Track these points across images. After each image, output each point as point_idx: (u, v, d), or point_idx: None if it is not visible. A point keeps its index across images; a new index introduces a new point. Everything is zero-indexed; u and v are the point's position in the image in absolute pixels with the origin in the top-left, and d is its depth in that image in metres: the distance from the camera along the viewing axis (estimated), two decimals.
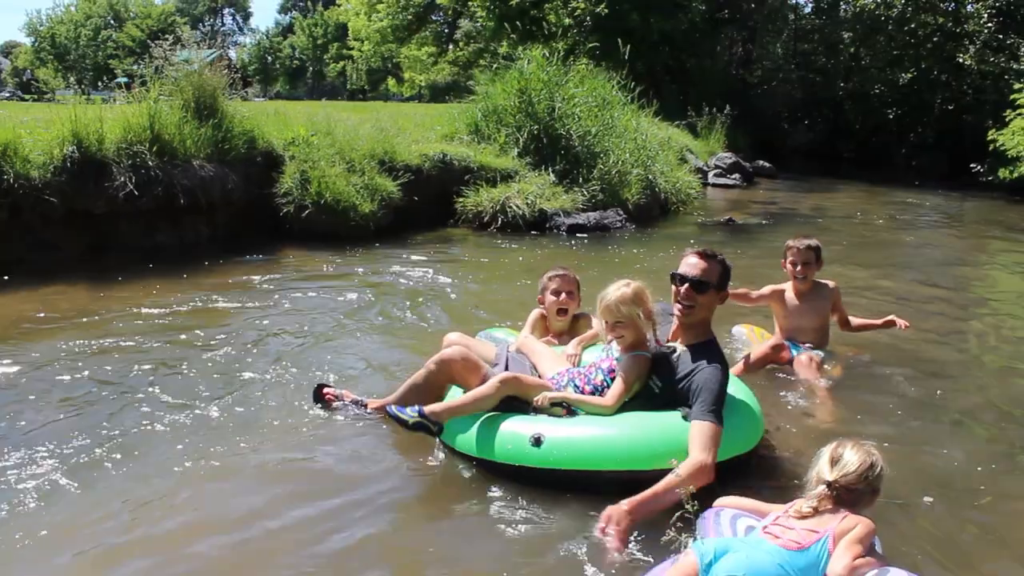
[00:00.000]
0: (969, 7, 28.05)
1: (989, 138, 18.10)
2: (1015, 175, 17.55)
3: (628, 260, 9.57)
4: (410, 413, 3.87)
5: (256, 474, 3.82)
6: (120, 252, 8.48)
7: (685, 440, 3.60)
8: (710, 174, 21.23)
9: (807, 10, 37.69)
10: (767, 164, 25.29)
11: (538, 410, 3.98)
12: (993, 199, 19.92)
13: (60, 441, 4.05)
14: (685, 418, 3.70)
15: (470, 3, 31.90)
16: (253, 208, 9.74)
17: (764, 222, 14.10)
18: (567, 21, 27.74)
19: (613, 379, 3.99)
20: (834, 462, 2.96)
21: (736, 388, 4.12)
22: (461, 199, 11.53)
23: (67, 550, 3.17)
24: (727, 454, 3.68)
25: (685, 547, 3.04)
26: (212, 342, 5.80)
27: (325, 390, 4.63)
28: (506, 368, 4.32)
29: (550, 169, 12.50)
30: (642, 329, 3.98)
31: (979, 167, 21.29)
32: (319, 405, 4.58)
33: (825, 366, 5.52)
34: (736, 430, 3.80)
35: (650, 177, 13.81)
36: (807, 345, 5.67)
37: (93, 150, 8.33)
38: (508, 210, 11.22)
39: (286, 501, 3.57)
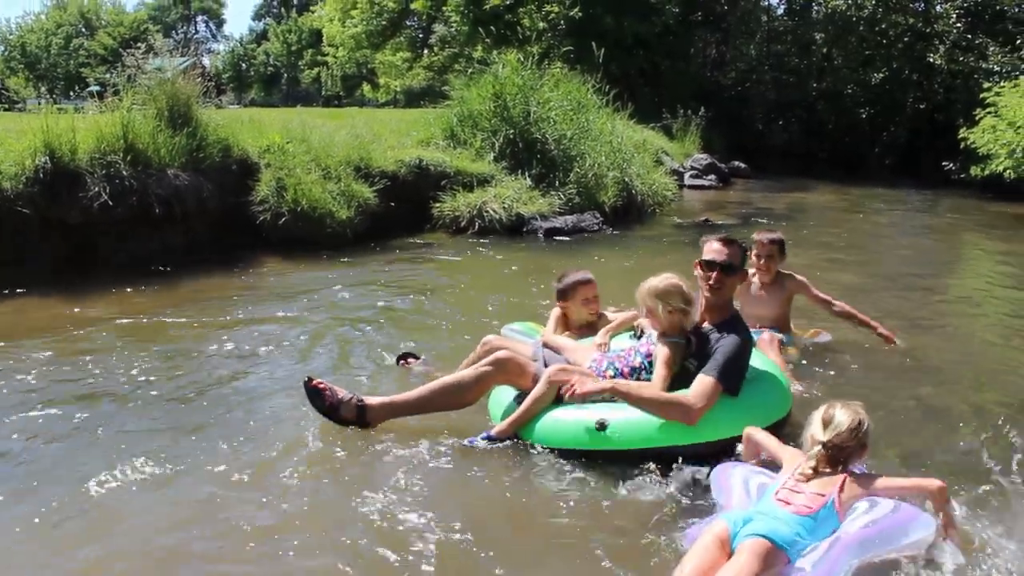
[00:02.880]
0: (938, 7, 28.33)
1: (960, 136, 18.28)
2: (986, 172, 17.74)
3: (606, 262, 9.60)
4: (480, 442, 4.16)
5: (242, 484, 3.81)
6: (96, 262, 8.41)
7: (733, 412, 4.00)
8: (686, 175, 21.32)
9: (779, 12, 37.96)
10: (742, 165, 25.43)
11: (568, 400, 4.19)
12: (965, 196, 20.13)
13: (33, 452, 4.02)
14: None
15: (444, 8, 31.88)
16: (229, 216, 9.68)
17: (740, 222, 14.18)
18: (541, 25, 27.79)
19: (651, 362, 4.28)
20: (826, 423, 3.35)
21: (764, 362, 4.55)
22: (438, 204, 11.52)
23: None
24: (767, 420, 4.06)
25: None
26: (190, 352, 5.78)
27: (315, 381, 4.32)
28: (545, 365, 4.47)
29: (526, 173, 12.50)
30: (678, 317, 4.26)
31: (951, 165, 21.52)
32: (314, 401, 4.30)
33: (788, 348, 5.79)
34: (771, 397, 4.26)
35: (626, 179, 13.86)
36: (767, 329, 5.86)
37: (66, 160, 8.26)
38: (485, 215, 11.23)
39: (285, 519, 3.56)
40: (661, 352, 4.22)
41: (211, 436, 4.30)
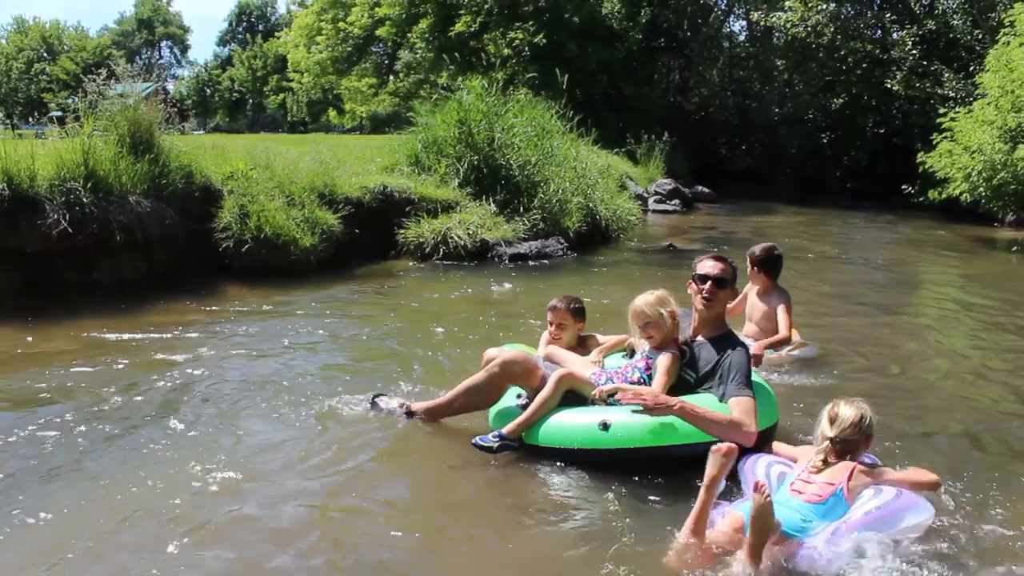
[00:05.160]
0: (894, 35, 28.87)
1: (918, 160, 18.58)
2: (944, 195, 18.03)
3: (570, 287, 9.60)
4: (492, 439, 4.46)
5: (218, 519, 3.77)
6: (56, 292, 8.28)
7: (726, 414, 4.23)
8: (650, 200, 21.52)
9: (741, 38, 38.58)
10: (706, 189, 25.70)
11: (594, 402, 4.49)
12: (924, 219, 20.53)
13: None
14: (721, 399, 4.31)
15: (409, 35, 31.99)
16: (192, 243, 9.59)
17: (704, 247, 14.31)
18: (506, 51, 27.97)
19: (649, 375, 4.57)
20: (832, 420, 3.75)
21: (755, 376, 4.68)
22: (402, 231, 11.51)
23: None
24: (761, 426, 4.28)
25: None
26: (151, 382, 5.69)
27: (379, 398, 5.07)
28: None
29: (491, 199, 12.53)
30: (668, 328, 4.59)
31: (910, 188, 21.88)
32: (373, 409, 5.01)
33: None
34: (765, 406, 4.43)
35: (590, 205, 13.95)
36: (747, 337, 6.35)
37: (25, 187, 8.16)
38: (450, 241, 11.24)
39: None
40: (662, 362, 4.53)
41: (178, 462, 4.26)
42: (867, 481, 3.59)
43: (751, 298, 6.75)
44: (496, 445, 4.43)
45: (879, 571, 3.30)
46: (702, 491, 3.50)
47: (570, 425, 4.35)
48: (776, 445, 4.27)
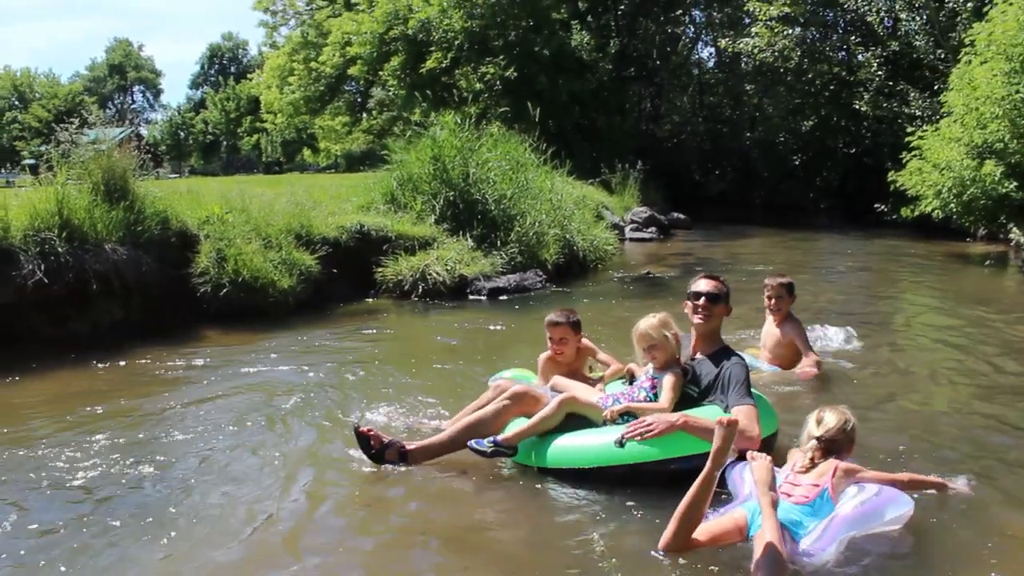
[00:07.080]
0: (860, 57, 29.28)
1: (889, 179, 18.78)
2: (915, 213, 18.21)
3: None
4: (487, 445, 4.64)
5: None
6: (31, 343, 8.17)
7: None
8: (627, 229, 21.63)
9: (710, 64, 39.06)
10: (682, 216, 25.85)
11: (606, 423, 4.69)
12: (898, 236, 20.74)
13: None
14: (726, 410, 4.49)
15: (381, 73, 32.14)
16: (169, 289, 9.52)
17: (682, 273, 14.37)
18: (478, 86, 28.17)
19: (655, 394, 4.73)
20: (819, 422, 4.00)
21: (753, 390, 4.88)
22: (380, 269, 11.50)
23: None
24: (763, 434, 4.50)
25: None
26: (134, 433, 5.64)
27: (363, 429, 4.84)
28: None
29: (468, 234, 12.56)
30: (672, 349, 4.77)
31: (882, 207, 22.10)
32: (363, 446, 4.81)
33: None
34: (766, 416, 4.67)
35: (567, 236, 14.01)
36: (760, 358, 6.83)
37: None
38: (428, 278, 11.23)
39: None
40: (667, 380, 4.69)
41: (158, 515, 4.22)
42: (850, 479, 3.81)
43: (767, 326, 6.98)
44: (490, 450, 4.61)
45: (865, 565, 3.51)
46: (708, 463, 3.70)
47: (588, 446, 4.55)
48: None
